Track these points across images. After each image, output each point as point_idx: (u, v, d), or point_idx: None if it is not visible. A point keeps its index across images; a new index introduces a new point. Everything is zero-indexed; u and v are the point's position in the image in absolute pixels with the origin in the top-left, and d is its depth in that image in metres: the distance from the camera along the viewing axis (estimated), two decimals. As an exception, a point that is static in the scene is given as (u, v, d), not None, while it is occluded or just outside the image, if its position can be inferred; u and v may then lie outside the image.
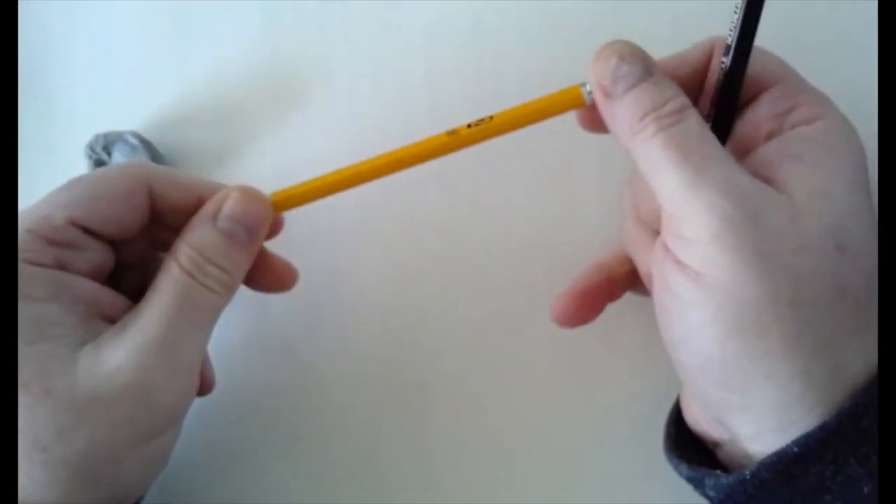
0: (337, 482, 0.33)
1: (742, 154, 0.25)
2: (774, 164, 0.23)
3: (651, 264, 0.25)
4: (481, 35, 0.33)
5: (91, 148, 0.32)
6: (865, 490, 0.20)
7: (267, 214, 0.26)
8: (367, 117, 0.33)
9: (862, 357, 0.21)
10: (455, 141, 0.26)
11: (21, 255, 0.23)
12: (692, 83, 0.25)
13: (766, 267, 0.21)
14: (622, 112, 0.23)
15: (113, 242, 0.26)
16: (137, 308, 0.24)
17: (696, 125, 0.23)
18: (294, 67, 0.34)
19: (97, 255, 0.25)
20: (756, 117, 0.25)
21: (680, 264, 0.22)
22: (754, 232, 0.21)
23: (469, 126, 0.26)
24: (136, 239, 0.27)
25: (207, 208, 0.25)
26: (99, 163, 0.32)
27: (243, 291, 0.34)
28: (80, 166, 0.32)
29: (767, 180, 0.22)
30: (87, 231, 0.25)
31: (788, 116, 0.24)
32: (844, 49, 0.31)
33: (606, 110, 0.24)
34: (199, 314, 0.25)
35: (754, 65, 0.24)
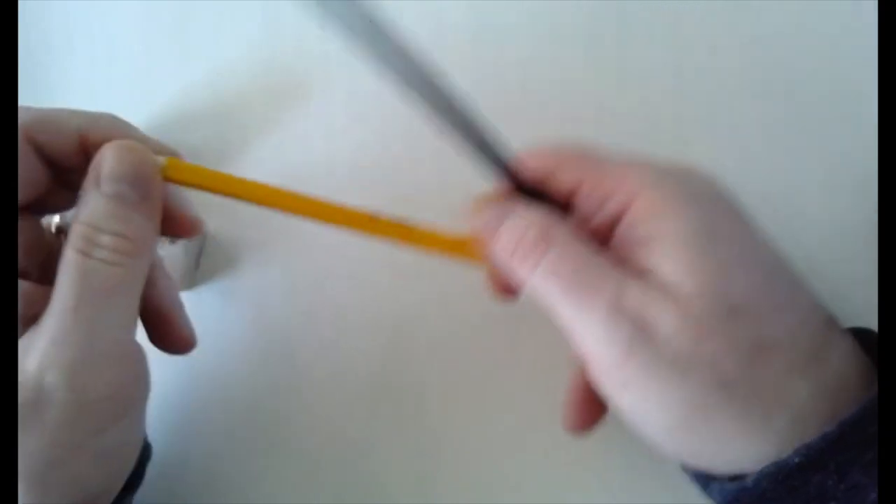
0: (337, 482, 0.33)
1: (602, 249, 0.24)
2: (630, 256, 0.22)
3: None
4: (481, 35, 0.33)
5: None
6: (872, 496, 0.20)
7: (148, 163, 0.24)
8: (367, 117, 0.33)
9: (808, 386, 0.21)
10: (372, 225, 0.25)
11: None
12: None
13: (680, 368, 0.21)
14: (499, 255, 0.24)
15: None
16: (49, 305, 0.23)
17: (563, 248, 0.22)
18: (294, 67, 0.34)
19: (22, 236, 0.24)
20: (587, 218, 0.24)
21: (612, 386, 0.22)
22: (653, 343, 0.21)
23: (390, 221, 0.25)
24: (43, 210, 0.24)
25: (88, 177, 0.23)
26: None
27: (243, 291, 0.34)
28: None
29: (636, 274, 0.22)
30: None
31: (608, 205, 0.23)
32: (844, 49, 0.31)
33: (489, 256, 0.24)
34: (104, 294, 0.23)
35: (548, 167, 0.24)
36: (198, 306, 0.34)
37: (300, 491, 0.33)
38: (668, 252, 0.21)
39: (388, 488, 0.32)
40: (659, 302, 0.21)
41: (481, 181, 0.33)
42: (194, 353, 0.34)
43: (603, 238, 0.23)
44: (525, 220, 0.23)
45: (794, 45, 0.32)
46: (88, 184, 0.23)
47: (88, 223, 0.23)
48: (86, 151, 0.24)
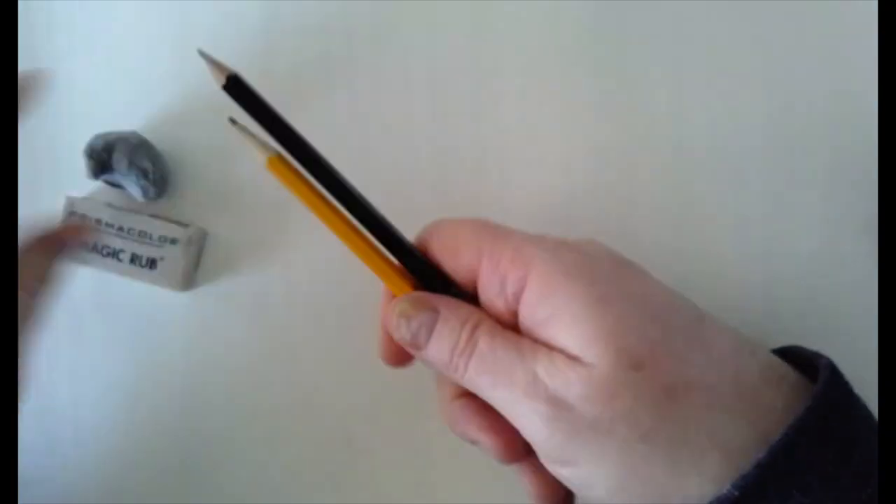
0: (338, 481, 0.33)
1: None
2: (538, 336, 0.23)
3: None
4: (481, 35, 0.33)
5: (91, 147, 0.32)
6: None
7: None
8: (367, 117, 0.33)
9: (731, 422, 0.22)
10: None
11: None
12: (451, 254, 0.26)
13: (602, 431, 0.22)
14: (435, 359, 0.25)
15: None
16: None
17: (486, 343, 0.23)
18: (294, 67, 0.34)
19: None
20: (489, 301, 0.25)
21: (551, 462, 0.23)
22: (570, 414, 0.22)
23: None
24: None
25: None
26: (100, 163, 0.32)
27: (243, 291, 0.34)
28: (81, 166, 0.32)
29: (546, 351, 0.23)
30: None
31: (507, 288, 0.24)
32: (844, 49, 0.31)
33: (423, 360, 0.25)
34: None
35: (452, 255, 0.25)
36: (198, 306, 0.34)
37: (301, 490, 0.33)
38: (566, 328, 0.22)
39: (390, 488, 0.32)
40: (565, 374, 0.22)
41: (479, 181, 0.33)
42: (194, 354, 0.34)
43: (511, 319, 0.24)
44: (459, 318, 0.24)
45: (794, 44, 0.32)
46: None
47: None
48: None
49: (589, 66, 0.32)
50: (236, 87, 0.23)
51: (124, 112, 0.34)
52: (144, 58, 0.34)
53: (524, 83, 0.33)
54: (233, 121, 0.24)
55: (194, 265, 0.34)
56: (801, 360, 0.24)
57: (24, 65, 0.34)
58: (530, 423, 0.23)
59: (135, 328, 0.34)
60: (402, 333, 0.25)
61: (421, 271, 0.25)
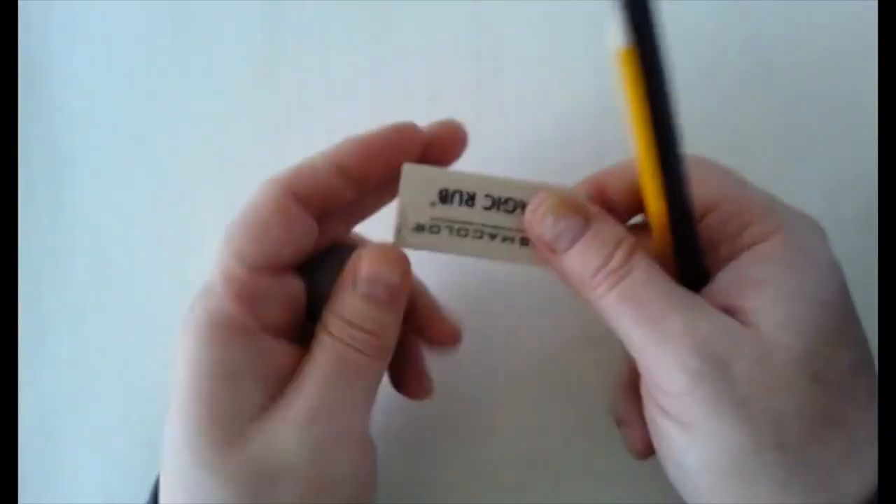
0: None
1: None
2: (735, 291, 0.22)
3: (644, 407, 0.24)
4: (481, 35, 0.33)
5: None
6: None
7: (401, 269, 0.25)
8: (368, 118, 0.33)
9: (857, 480, 0.21)
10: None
11: (225, 319, 0.23)
12: (631, 198, 0.24)
13: (743, 414, 0.21)
14: (572, 268, 0.23)
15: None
16: (297, 380, 0.24)
17: (644, 274, 0.22)
18: (294, 68, 0.34)
19: (288, 292, 0.25)
20: (709, 242, 0.23)
21: (665, 412, 0.22)
22: (724, 382, 0.21)
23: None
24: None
25: (345, 276, 0.25)
26: None
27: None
28: (81, 166, 0.32)
29: (731, 310, 0.22)
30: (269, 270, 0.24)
31: (741, 236, 0.23)
32: (844, 49, 0.31)
33: (555, 265, 0.24)
34: (356, 378, 0.24)
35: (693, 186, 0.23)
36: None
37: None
38: (778, 300, 0.21)
39: (390, 488, 0.32)
40: (741, 338, 0.21)
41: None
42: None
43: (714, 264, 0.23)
44: (614, 238, 0.23)
45: (794, 44, 0.32)
46: (344, 281, 0.24)
47: (343, 318, 0.24)
48: (346, 177, 0.25)
49: (589, 64, 0.32)
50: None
51: (124, 112, 0.34)
52: (144, 58, 0.34)
53: (524, 83, 0.33)
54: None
55: None
56: None
57: (24, 65, 0.34)
58: (668, 370, 0.21)
59: (136, 325, 0.34)
60: (544, 230, 0.23)
61: (683, 211, 0.23)
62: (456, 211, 0.24)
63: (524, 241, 0.24)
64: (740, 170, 0.31)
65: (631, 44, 0.21)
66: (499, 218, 0.24)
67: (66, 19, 0.34)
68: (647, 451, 0.25)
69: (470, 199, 0.24)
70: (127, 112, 0.34)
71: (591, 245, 0.23)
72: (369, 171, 0.25)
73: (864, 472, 0.21)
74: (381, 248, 0.25)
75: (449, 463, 0.32)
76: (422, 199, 0.24)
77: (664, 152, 0.22)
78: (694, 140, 0.32)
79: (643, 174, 0.22)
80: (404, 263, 0.25)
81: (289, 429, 0.23)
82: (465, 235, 0.24)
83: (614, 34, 0.21)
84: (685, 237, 0.23)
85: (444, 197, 0.24)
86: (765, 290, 0.21)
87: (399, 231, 0.24)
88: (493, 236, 0.24)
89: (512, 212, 0.24)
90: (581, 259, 0.23)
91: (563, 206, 0.23)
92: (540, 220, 0.23)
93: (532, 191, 0.24)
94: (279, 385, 0.24)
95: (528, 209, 0.24)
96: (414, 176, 0.24)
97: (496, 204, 0.24)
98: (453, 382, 0.32)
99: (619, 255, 0.22)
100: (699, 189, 0.23)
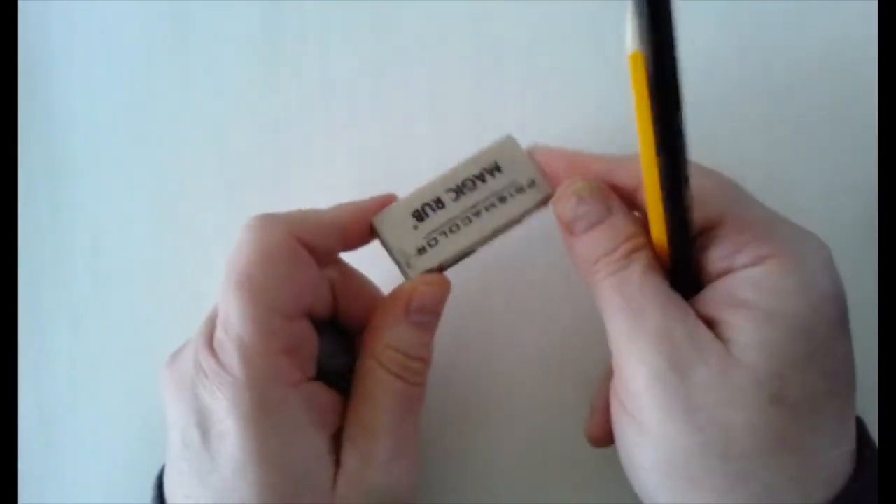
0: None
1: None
2: (720, 306, 0.22)
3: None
4: (481, 36, 0.33)
5: None
6: None
7: (447, 293, 0.26)
8: (368, 118, 0.33)
9: (802, 502, 0.21)
10: None
11: (278, 375, 0.23)
12: (636, 198, 0.25)
13: (694, 420, 0.21)
14: (580, 250, 0.24)
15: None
16: (357, 417, 0.24)
17: (640, 270, 0.23)
18: (294, 68, 0.34)
19: (311, 333, 0.25)
20: (705, 256, 0.24)
21: (623, 407, 0.23)
22: (680, 386, 0.21)
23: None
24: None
25: (396, 304, 0.25)
26: None
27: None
28: (81, 166, 0.32)
29: (713, 321, 0.22)
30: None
31: (739, 254, 0.23)
32: (844, 49, 0.31)
33: (568, 244, 0.25)
34: (415, 412, 0.25)
35: (696, 205, 0.23)
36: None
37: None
38: (755, 321, 0.21)
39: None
40: (709, 349, 0.21)
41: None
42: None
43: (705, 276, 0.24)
44: (627, 232, 0.24)
45: (795, 44, 0.32)
46: (396, 311, 0.25)
47: (400, 350, 0.25)
48: (342, 235, 0.26)
49: (588, 63, 0.32)
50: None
51: (124, 112, 0.34)
52: (144, 57, 0.34)
53: (525, 83, 0.33)
54: None
55: None
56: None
57: (24, 65, 0.34)
58: (634, 366, 0.22)
59: (135, 325, 0.34)
60: (566, 210, 0.24)
61: (680, 221, 0.23)
62: (436, 218, 0.26)
63: (502, 199, 0.26)
64: (740, 170, 0.31)
65: (644, 49, 0.21)
66: (469, 199, 0.26)
67: (66, 19, 0.34)
68: (605, 440, 0.26)
69: (439, 202, 0.26)
70: (127, 112, 0.34)
71: (604, 234, 0.24)
72: (357, 233, 0.26)
73: (812, 496, 0.21)
74: (428, 278, 0.26)
75: (449, 463, 0.32)
76: (405, 231, 0.26)
77: (668, 171, 0.22)
78: (694, 140, 0.32)
79: (649, 190, 0.22)
80: (448, 287, 0.26)
81: (373, 474, 0.24)
82: (458, 229, 0.26)
83: (629, 38, 0.20)
84: (682, 252, 0.23)
85: (419, 215, 0.26)
86: (746, 310, 0.22)
87: (406, 268, 0.26)
88: (477, 213, 0.26)
89: (474, 187, 0.26)
90: (591, 244, 0.24)
91: (590, 191, 0.24)
92: (566, 200, 0.25)
93: (473, 162, 0.26)
94: (332, 425, 0.24)
95: (560, 188, 0.25)
96: (386, 222, 0.26)
97: (458, 191, 0.26)
98: (453, 382, 0.32)
99: (623, 249, 0.23)
100: (704, 204, 0.23)
